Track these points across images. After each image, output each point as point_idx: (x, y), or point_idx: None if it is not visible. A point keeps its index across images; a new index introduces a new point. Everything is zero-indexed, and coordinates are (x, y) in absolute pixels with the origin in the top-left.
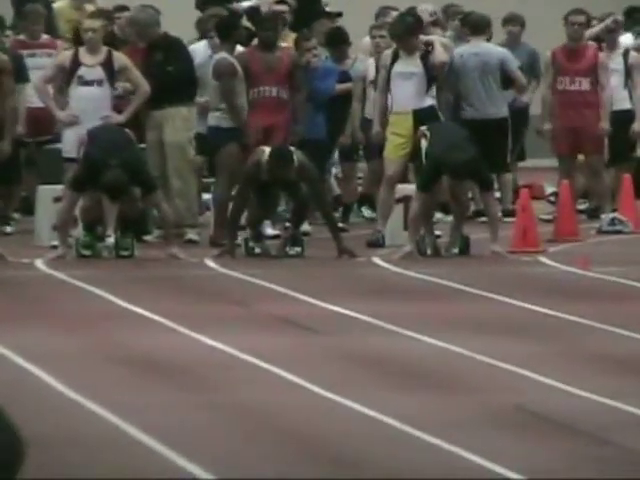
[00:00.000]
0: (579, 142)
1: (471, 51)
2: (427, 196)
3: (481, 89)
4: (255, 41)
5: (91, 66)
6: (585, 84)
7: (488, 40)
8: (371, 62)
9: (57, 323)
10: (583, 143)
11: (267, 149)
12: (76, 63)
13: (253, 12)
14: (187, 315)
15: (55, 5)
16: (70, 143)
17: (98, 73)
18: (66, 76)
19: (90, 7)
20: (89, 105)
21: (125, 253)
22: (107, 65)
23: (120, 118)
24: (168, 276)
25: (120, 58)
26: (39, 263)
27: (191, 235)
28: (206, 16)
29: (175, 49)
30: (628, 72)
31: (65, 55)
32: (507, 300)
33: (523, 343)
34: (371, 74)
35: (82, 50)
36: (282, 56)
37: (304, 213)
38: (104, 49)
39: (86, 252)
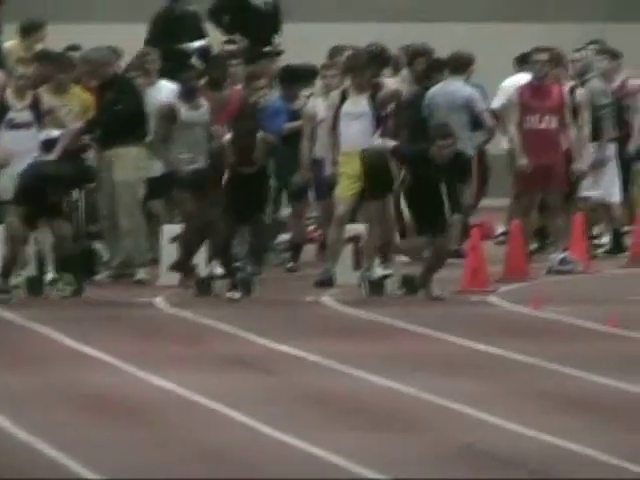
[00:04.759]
0: (544, 180)
1: (441, 89)
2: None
3: None
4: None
5: (19, 110)
6: (554, 122)
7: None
8: (320, 101)
9: (6, 363)
10: (548, 181)
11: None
12: (4, 107)
13: (203, 52)
14: (136, 355)
15: (5, 45)
16: (2, 186)
17: (26, 116)
18: None
19: (40, 46)
20: (19, 147)
21: (66, 293)
22: (34, 108)
23: (50, 157)
24: (118, 316)
25: (47, 101)
26: None
27: (141, 275)
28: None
29: (125, 89)
30: (574, 110)
31: None
32: (456, 340)
33: (472, 382)
34: (321, 113)
35: (10, 93)
36: (231, 95)
37: (259, 254)
38: (31, 92)
39: (28, 290)
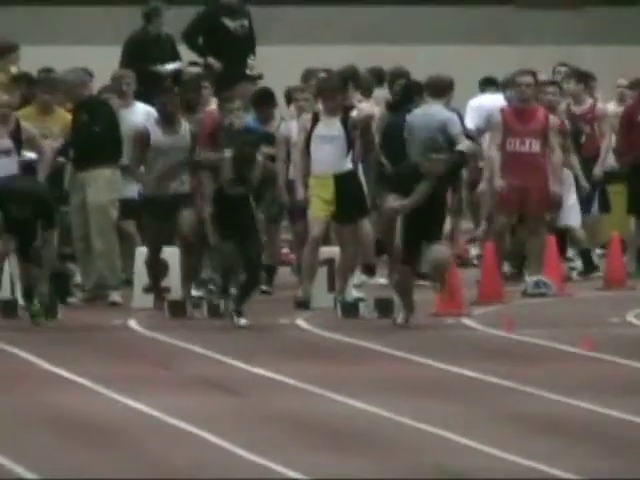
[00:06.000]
0: (525, 203)
1: (421, 112)
2: (407, 268)
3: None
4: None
5: (0, 136)
6: (535, 146)
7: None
8: (294, 124)
9: None
10: (529, 204)
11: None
12: None
13: (177, 75)
14: (110, 377)
15: None
16: None
17: (7, 144)
18: None
19: (14, 69)
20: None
21: (40, 318)
22: (15, 136)
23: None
24: (92, 338)
25: (27, 129)
26: None
27: (114, 297)
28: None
29: (101, 111)
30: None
31: None
32: (431, 362)
33: (445, 404)
34: (294, 136)
35: None
36: (204, 118)
37: (252, 287)
38: (13, 119)
39: (2, 313)
